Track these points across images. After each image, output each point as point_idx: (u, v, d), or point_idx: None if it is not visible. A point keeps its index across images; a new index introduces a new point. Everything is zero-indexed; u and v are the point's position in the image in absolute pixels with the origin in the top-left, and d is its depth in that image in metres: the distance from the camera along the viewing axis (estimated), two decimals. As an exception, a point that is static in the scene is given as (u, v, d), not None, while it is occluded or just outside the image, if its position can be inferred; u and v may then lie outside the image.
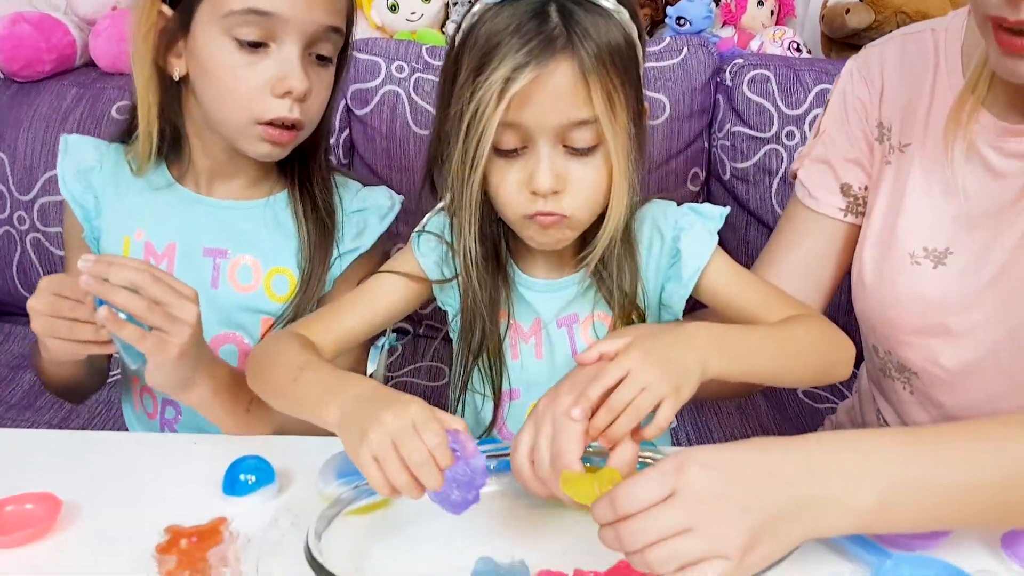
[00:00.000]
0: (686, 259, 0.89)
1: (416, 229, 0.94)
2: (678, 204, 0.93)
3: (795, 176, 1.06)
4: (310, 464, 0.84)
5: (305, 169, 1.02)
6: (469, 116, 0.78)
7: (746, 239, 1.56)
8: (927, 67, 0.93)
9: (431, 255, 0.93)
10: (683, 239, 0.89)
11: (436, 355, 1.57)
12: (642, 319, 0.92)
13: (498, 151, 0.80)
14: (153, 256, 1.00)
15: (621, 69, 0.79)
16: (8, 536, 0.75)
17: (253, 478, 0.82)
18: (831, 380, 0.87)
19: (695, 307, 0.95)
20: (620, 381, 0.71)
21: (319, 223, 1.01)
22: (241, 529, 0.74)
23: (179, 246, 1.00)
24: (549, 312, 0.92)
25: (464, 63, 0.80)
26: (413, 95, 1.54)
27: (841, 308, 1.14)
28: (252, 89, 0.90)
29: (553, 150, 0.79)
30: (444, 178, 0.86)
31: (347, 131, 1.56)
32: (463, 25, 0.82)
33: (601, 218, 0.85)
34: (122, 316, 0.79)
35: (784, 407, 1.51)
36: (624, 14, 0.80)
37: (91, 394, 1.14)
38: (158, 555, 0.68)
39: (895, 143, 0.95)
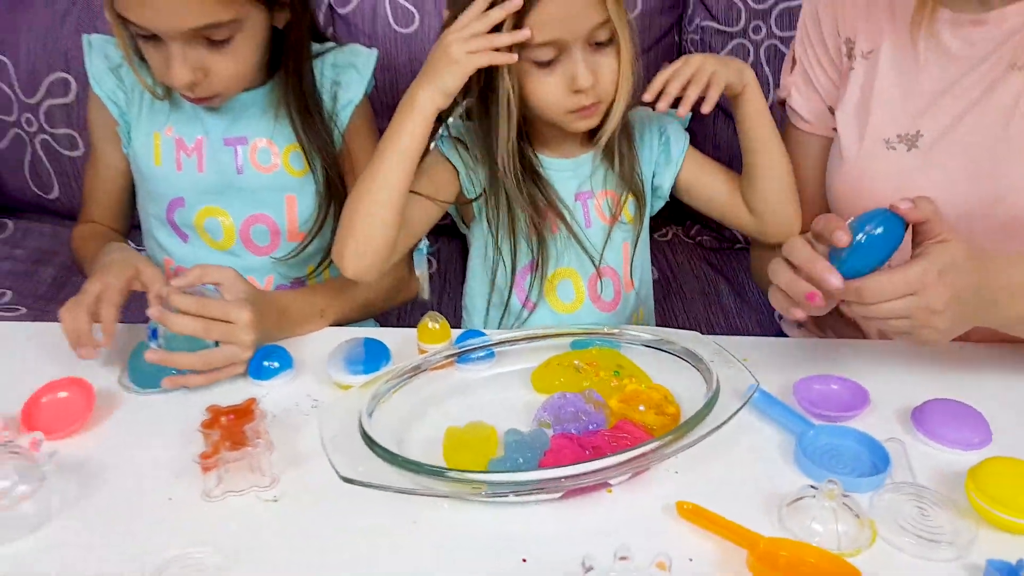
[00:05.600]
0: (673, 144, 1.09)
1: (440, 135, 1.06)
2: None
3: (783, 104, 1.14)
4: (317, 353, 0.96)
5: (288, 56, 1.09)
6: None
7: (714, 131, 1.63)
8: None
9: (456, 155, 1.06)
10: (669, 129, 1.10)
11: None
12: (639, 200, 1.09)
13: (537, 63, 0.95)
14: (183, 150, 1.11)
15: None
16: (54, 430, 0.82)
17: (276, 364, 0.93)
18: None
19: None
20: None
21: (306, 99, 1.10)
22: (267, 408, 0.83)
23: (206, 140, 1.11)
24: (568, 189, 1.07)
25: None
26: (395, -6, 1.56)
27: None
28: (159, 68, 1.01)
29: (584, 51, 0.95)
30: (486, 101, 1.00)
31: (330, 29, 1.58)
32: None
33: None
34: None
35: (744, 293, 1.63)
36: None
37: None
38: (203, 431, 0.78)
39: (858, 52, 1.04)
